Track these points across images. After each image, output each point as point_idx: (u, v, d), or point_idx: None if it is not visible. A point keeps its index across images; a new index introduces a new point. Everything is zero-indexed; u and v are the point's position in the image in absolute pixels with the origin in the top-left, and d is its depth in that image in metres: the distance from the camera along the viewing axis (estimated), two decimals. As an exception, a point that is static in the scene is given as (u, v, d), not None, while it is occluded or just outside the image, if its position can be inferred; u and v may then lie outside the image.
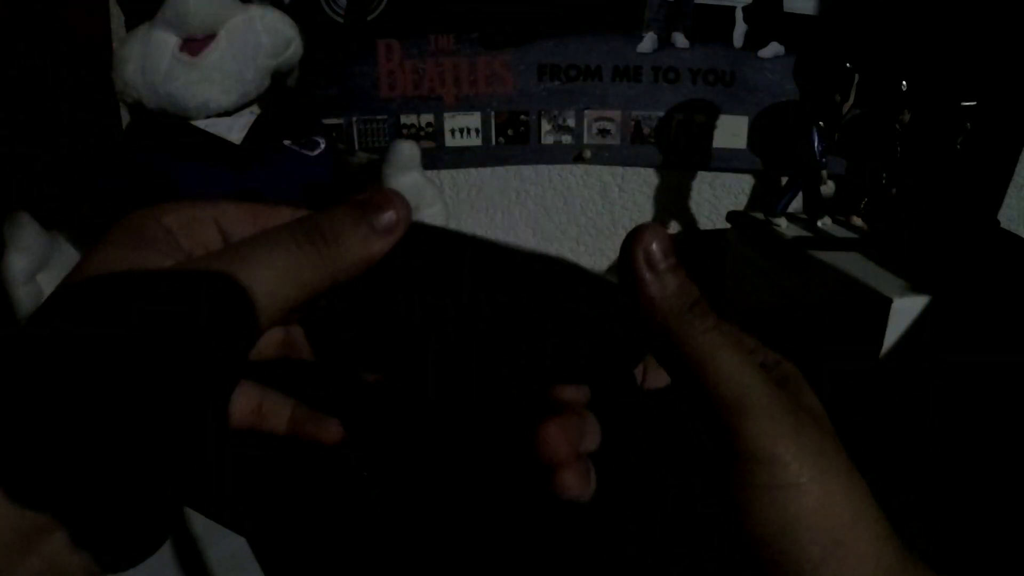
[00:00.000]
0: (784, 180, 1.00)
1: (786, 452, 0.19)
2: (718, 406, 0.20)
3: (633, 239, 0.21)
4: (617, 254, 0.22)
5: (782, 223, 0.96)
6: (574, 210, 1.10)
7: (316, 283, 0.19)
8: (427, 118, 1.03)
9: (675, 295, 0.21)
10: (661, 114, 1.04)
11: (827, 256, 0.86)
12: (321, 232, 0.19)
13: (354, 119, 1.02)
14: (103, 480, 0.17)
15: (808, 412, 0.21)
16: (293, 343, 0.23)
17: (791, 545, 0.19)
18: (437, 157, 1.04)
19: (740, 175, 1.09)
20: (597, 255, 1.13)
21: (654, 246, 0.21)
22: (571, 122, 1.05)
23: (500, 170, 1.07)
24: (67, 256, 0.72)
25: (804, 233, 0.94)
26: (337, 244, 0.19)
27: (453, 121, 1.03)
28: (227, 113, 0.73)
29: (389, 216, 0.20)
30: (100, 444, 0.16)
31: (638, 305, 0.21)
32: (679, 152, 1.07)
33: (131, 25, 0.78)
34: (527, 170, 1.07)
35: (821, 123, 0.92)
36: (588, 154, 1.06)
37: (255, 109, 0.75)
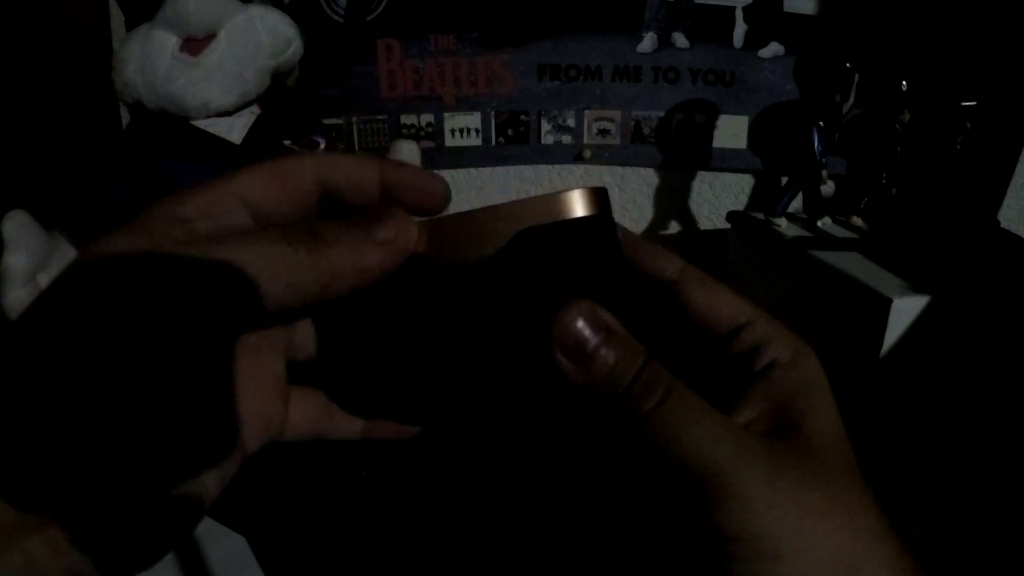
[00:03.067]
0: (784, 180, 1.00)
1: (763, 528, 0.18)
2: (686, 487, 0.19)
3: (553, 330, 0.19)
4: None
5: (782, 223, 0.96)
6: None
7: (306, 285, 0.19)
8: (427, 118, 1.03)
9: (609, 378, 0.19)
10: (661, 114, 1.04)
11: (827, 256, 0.86)
12: (314, 233, 0.19)
13: (354, 119, 1.02)
14: (92, 478, 0.16)
15: (804, 453, 0.20)
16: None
17: None
18: (437, 157, 1.04)
19: (740, 175, 1.09)
20: (597, 255, 1.13)
21: (578, 324, 0.19)
22: (571, 122, 1.05)
23: (500, 170, 1.07)
24: (67, 256, 0.72)
25: (804, 233, 0.94)
26: (329, 248, 0.19)
27: (453, 121, 1.03)
28: (227, 113, 0.73)
29: (386, 229, 0.20)
30: (87, 438, 0.16)
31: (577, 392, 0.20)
32: (679, 152, 1.07)
33: (131, 25, 0.78)
34: (527, 170, 1.07)
35: (821, 123, 0.92)
36: (588, 154, 1.06)
37: (255, 109, 0.75)
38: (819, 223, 0.97)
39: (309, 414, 0.23)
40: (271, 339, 0.22)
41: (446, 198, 0.21)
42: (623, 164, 1.08)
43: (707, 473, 0.19)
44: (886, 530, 0.20)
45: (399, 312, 0.21)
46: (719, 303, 0.23)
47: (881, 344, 0.76)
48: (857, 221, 0.97)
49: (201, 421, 0.18)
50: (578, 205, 0.21)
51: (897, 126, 0.92)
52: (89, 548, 0.17)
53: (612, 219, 0.22)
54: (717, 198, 1.10)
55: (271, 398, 0.21)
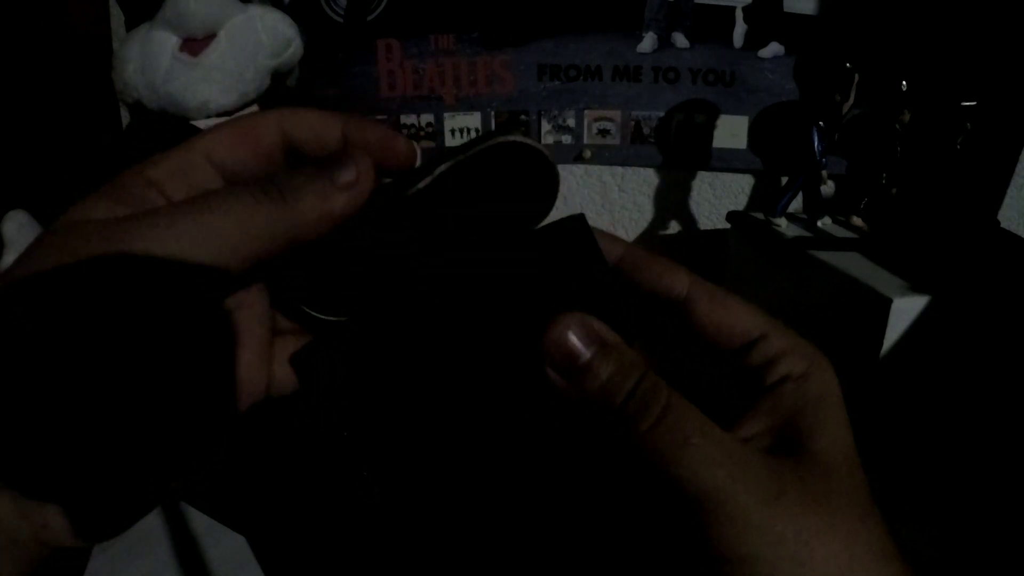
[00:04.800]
0: (784, 180, 1.00)
1: (758, 552, 0.18)
2: (681, 507, 0.18)
3: (544, 343, 0.19)
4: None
5: (782, 223, 0.96)
6: (574, 210, 1.09)
7: (273, 237, 0.19)
8: (427, 118, 1.03)
9: (603, 394, 0.19)
10: (661, 114, 1.04)
11: (827, 256, 0.86)
12: (279, 187, 0.19)
13: (354, 119, 1.02)
14: (54, 444, 0.16)
15: (807, 471, 0.19)
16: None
17: None
18: (437, 157, 1.04)
19: (740, 175, 1.09)
20: (597, 255, 1.13)
21: (570, 337, 0.19)
22: (571, 122, 1.05)
23: (500, 170, 1.07)
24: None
25: (804, 233, 0.94)
26: (295, 199, 0.19)
27: (453, 121, 1.03)
28: (227, 113, 0.73)
29: (348, 172, 0.20)
30: (43, 403, 0.16)
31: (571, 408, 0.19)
32: (679, 152, 1.07)
33: (131, 25, 0.78)
34: (527, 170, 1.07)
35: (821, 123, 0.92)
36: (588, 154, 1.06)
37: (255, 109, 0.75)
38: (819, 223, 0.96)
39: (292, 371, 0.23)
40: (254, 300, 0.22)
41: (410, 155, 0.21)
42: (623, 164, 1.08)
43: (702, 495, 0.18)
44: (889, 553, 0.19)
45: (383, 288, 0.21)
46: (732, 318, 0.22)
47: (881, 344, 0.76)
48: (857, 221, 0.97)
49: (184, 385, 0.18)
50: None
51: (897, 126, 0.92)
52: (60, 511, 0.17)
53: (586, 224, 0.22)
54: (717, 198, 1.10)
55: (254, 361, 0.21)
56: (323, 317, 0.22)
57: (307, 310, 0.22)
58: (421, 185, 0.20)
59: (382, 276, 0.21)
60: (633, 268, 0.23)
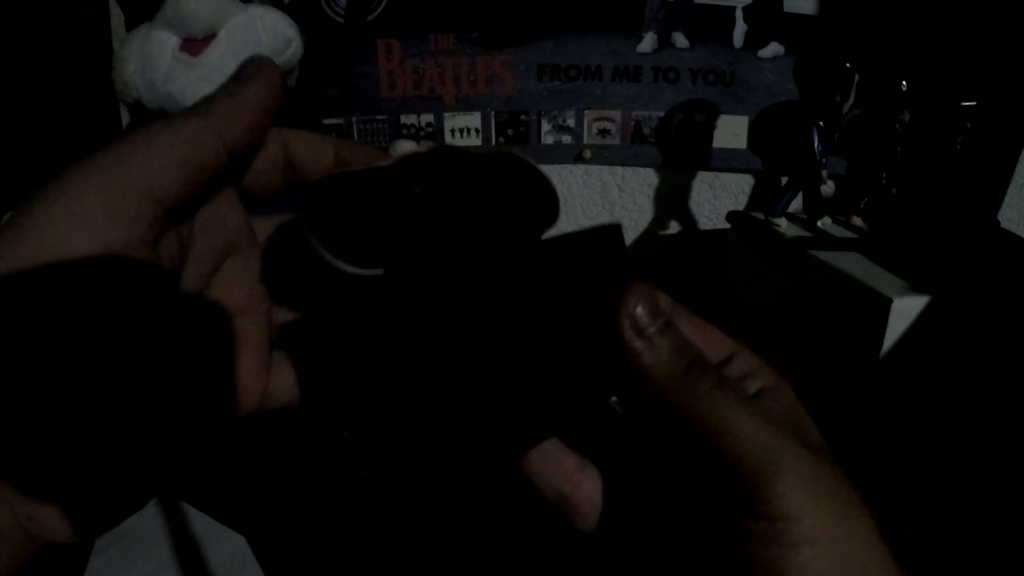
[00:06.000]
0: (784, 180, 1.00)
1: (806, 511, 0.19)
2: (738, 470, 0.19)
3: (618, 306, 0.20)
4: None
5: (782, 223, 0.96)
6: (574, 210, 1.10)
7: (204, 154, 0.19)
8: (427, 118, 1.03)
9: (669, 360, 0.20)
10: (661, 114, 1.04)
11: (827, 256, 0.86)
12: (196, 107, 0.20)
13: (354, 119, 1.02)
14: (42, 442, 0.16)
15: (819, 453, 0.21)
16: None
17: None
18: (437, 157, 1.04)
19: (740, 175, 1.09)
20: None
21: (639, 310, 0.20)
22: (571, 122, 1.05)
23: (500, 170, 1.07)
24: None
25: (804, 233, 0.94)
26: (214, 110, 0.20)
27: (453, 121, 1.03)
28: (227, 113, 0.73)
29: (249, 66, 0.22)
30: (32, 399, 0.16)
31: (633, 373, 0.20)
32: (679, 152, 1.07)
33: (131, 25, 0.78)
34: (527, 170, 1.07)
35: (821, 123, 0.92)
36: (588, 154, 1.06)
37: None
38: (819, 223, 0.96)
39: (291, 381, 0.23)
40: (253, 310, 0.22)
41: None
42: (623, 164, 1.08)
43: (760, 456, 0.19)
44: (884, 552, 0.21)
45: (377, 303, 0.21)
46: (708, 339, 0.23)
47: (881, 344, 0.76)
48: (857, 221, 0.97)
49: (178, 386, 0.18)
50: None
51: (897, 126, 0.92)
52: (48, 506, 0.17)
53: (620, 233, 0.23)
54: (717, 198, 1.10)
55: (252, 369, 0.22)
56: (356, 271, 0.20)
57: (338, 262, 0.20)
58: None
59: (415, 230, 0.20)
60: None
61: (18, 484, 0.16)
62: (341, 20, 0.96)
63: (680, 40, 1.01)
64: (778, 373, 0.23)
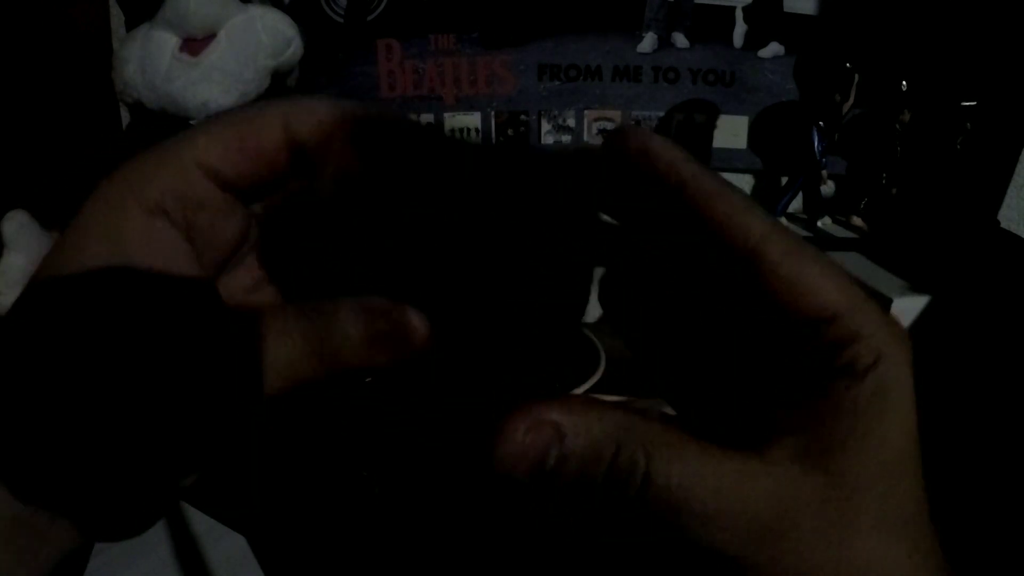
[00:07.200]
0: (784, 180, 1.00)
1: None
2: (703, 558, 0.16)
3: (496, 459, 0.17)
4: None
5: (782, 223, 0.96)
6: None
7: (302, 376, 0.19)
8: (427, 118, 1.03)
9: (581, 475, 0.16)
10: (661, 114, 1.04)
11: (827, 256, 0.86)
12: (320, 333, 0.18)
13: (354, 119, 1.02)
14: (58, 449, 0.16)
15: (831, 493, 0.17)
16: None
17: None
18: (437, 157, 1.04)
19: (740, 175, 1.09)
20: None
21: (524, 443, 0.17)
22: (571, 122, 1.05)
23: (500, 170, 1.07)
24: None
25: (804, 233, 0.94)
26: (335, 347, 0.18)
27: (453, 121, 1.03)
28: (227, 113, 0.73)
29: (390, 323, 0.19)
30: (51, 406, 0.16)
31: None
32: (679, 152, 1.07)
33: (131, 25, 0.78)
34: (527, 170, 1.07)
35: (821, 123, 0.92)
36: (588, 154, 1.06)
37: (255, 109, 0.75)
38: (819, 223, 0.97)
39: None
40: (261, 294, 0.22)
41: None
42: (623, 164, 1.08)
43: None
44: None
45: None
46: (809, 286, 0.18)
47: (881, 344, 0.76)
48: (857, 221, 0.97)
49: (193, 399, 0.18)
50: None
51: (897, 126, 0.92)
52: (66, 513, 0.17)
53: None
54: (717, 198, 1.10)
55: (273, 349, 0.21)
56: None
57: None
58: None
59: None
60: (697, 202, 0.18)
61: (37, 494, 0.16)
62: (341, 20, 0.96)
63: (680, 40, 1.01)
64: (890, 342, 0.19)
